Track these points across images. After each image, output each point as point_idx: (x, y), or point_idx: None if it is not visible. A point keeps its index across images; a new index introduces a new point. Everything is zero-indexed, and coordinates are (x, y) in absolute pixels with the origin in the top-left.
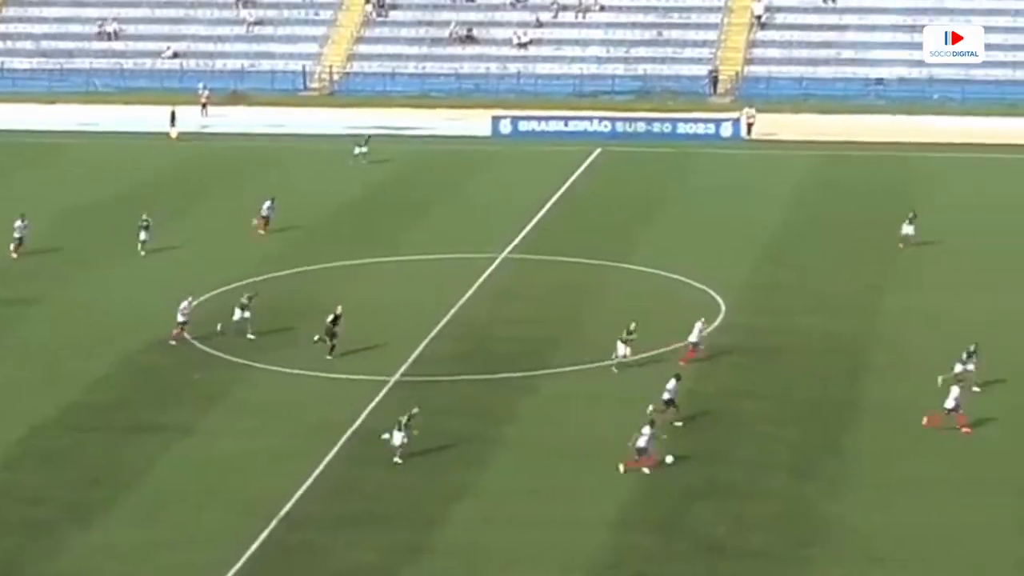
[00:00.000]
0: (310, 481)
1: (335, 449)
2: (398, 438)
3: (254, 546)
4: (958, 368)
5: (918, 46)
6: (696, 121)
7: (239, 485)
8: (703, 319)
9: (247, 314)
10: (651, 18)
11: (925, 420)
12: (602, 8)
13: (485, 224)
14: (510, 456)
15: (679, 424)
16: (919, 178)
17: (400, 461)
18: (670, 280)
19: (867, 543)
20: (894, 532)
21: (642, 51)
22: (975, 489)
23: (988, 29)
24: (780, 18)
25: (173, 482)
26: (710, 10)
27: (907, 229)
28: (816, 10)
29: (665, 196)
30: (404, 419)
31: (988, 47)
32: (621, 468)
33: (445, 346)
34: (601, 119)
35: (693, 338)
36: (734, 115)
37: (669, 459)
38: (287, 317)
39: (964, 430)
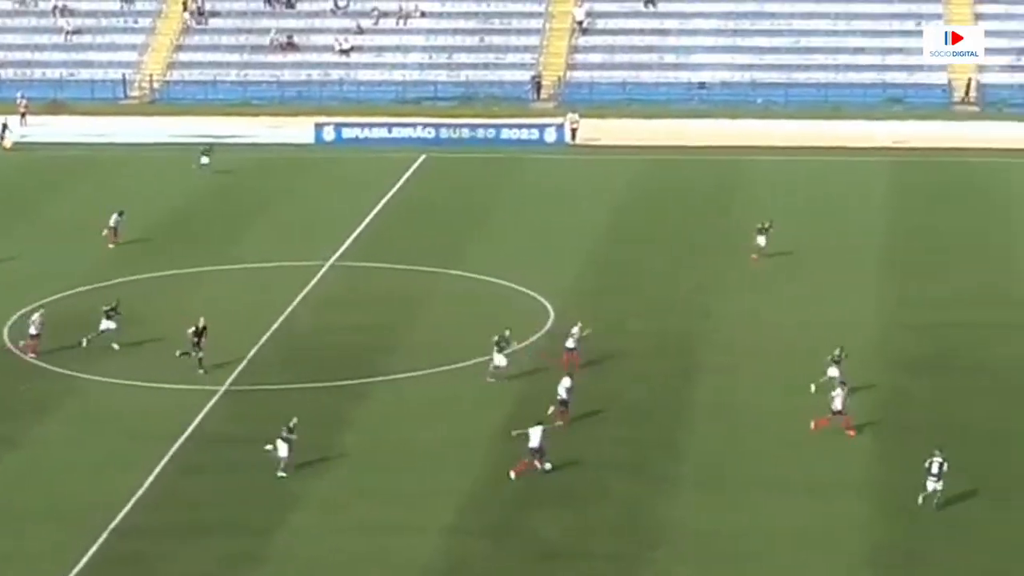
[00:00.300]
0: (141, 491)
1: (166, 458)
2: (283, 449)
3: (85, 559)
4: (830, 372)
5: (740, 49)
6: (520, 127)
7: (69, 497)
8: (579, 323)
9: (112, 324)
10: (473, 24)
11: (813, 424)
12: (423, 15)
13: (310, 232)
14: (345, 463)
15: (559, 424)
16: (743, 181)
17: (285, 474)
18: (498, 286)
19: (709, 544)
20: (735, 532)
21: (464, 57)
22: (813, 489)
23: (808, 33)
24: (601, 23)
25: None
26: (531, 16)
27: (760, 240)
28: (637, 15)
29: (491, 202)
30: (286, 430)
31: (810, 50)
32: (512, 475)
33: (274, 354)
34: (425, 125)
35: (570, 344)
36: (558, 120)
37: (547, 466)
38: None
39: (849, 432)
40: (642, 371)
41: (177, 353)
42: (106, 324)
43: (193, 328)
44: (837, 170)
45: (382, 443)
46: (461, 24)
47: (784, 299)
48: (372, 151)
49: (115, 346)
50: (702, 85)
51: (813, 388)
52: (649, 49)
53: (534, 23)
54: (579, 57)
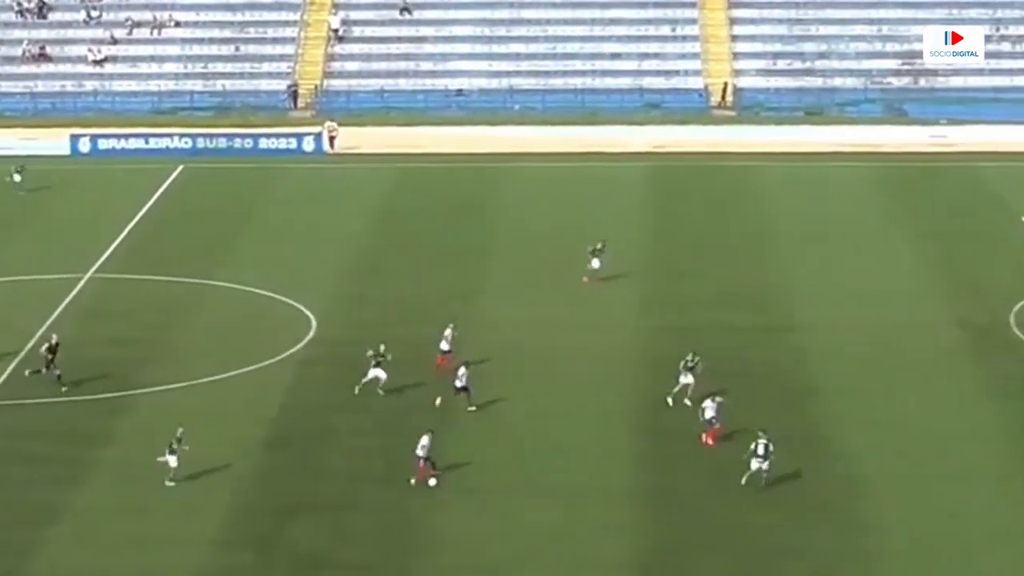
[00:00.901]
0: None
1: None
2: (172, 460)
3: None
4: (683, 380)
5: (497, 56)
6: (278, 136)
7: None
8: (452, 324)
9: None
10: (227, 33)
11: (702, 437)
12: (177, 24)
13: (69, 244)
14: (106, 476)
15: (472, 409)
16: (502, 187)
17: (173, 483)
18: (260, 296)
19: (470, 551)
20: (496, 538)
21: (220, 67)
22: (573, 494)
23: (565, 39)
24: (358, 31)
25: None
26: (287, 24)
27: (594, 263)
28: (394, 22)
29: (250, 212)
30: (173, 440)
31: (567, 56)
32: (412, 481)
33: (33, 369)
34: (182, 136)
35: (445, 346)
36: (316, 129)
37: (432, 481)
38: None
39: (708, 442)
40: (396, 380)
41: (27, 372)
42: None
43: (47, 345)
44: (596, 175)
45: (144, 456)
46: (216, 33)
47: (539, 303)
48: (129, 162)
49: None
50: (460, 92)
51: (670, 401)
52: (406, 57)
53: (289, 32)
54: (336, 65)
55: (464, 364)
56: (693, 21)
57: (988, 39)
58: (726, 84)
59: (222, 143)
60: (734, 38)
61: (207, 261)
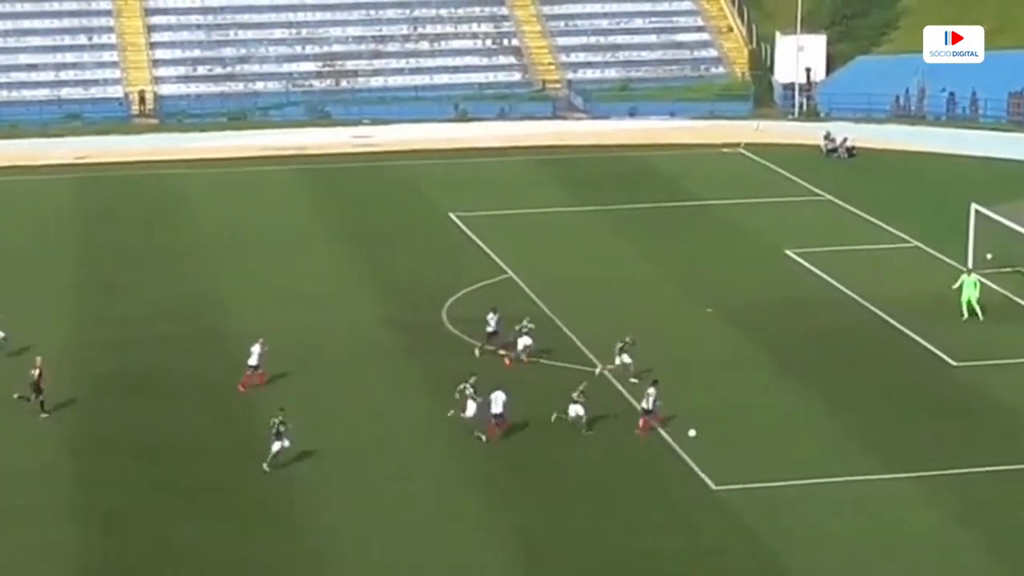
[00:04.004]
0: None
1: None
2: (276, 445)
3: None
4: (617, 361)
5: None
6: None
7: None
8: (261, 339)
9: None
10: None
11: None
12: None
13: None
14: None
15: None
16: None
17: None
18: None
19: None
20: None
21: None
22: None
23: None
24: None
25: None
26: None
27: None
28: None
29: None
30: (277, 425)
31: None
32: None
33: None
34: None
35: (253, 361)
36: None
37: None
38: None
39: (639, 431)
40: None
41: (16, 396)
42: None
43: (38, 371)
44: (18, 190)
45: None
46: None
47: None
48: None
49: None
50: None
51: (598, 371)
52: None
53: None
54: None
55: None
56: (110, 29)
57: (407, 39)
58: (142, 92)
59: None
60: (152, 45)
61: None
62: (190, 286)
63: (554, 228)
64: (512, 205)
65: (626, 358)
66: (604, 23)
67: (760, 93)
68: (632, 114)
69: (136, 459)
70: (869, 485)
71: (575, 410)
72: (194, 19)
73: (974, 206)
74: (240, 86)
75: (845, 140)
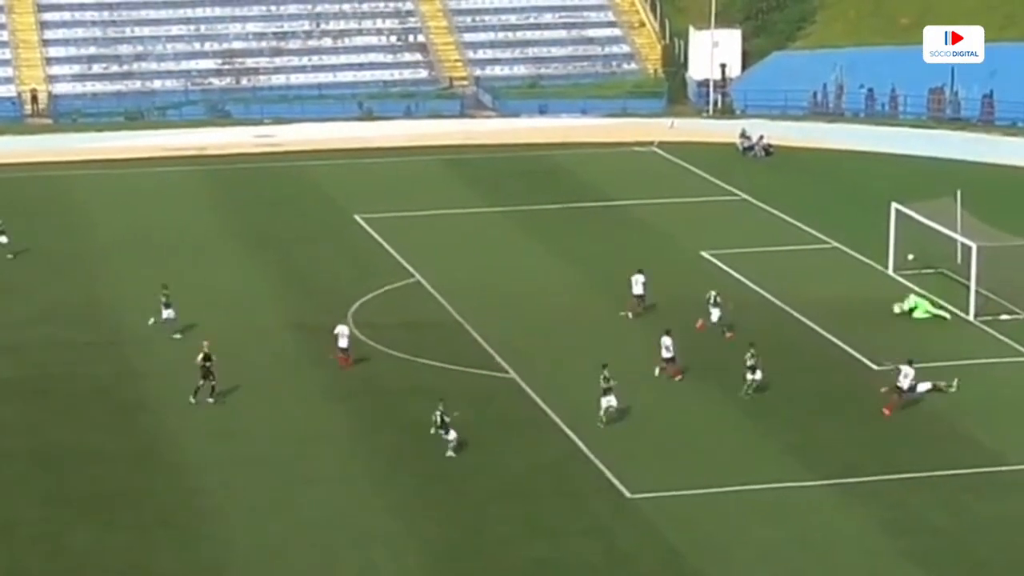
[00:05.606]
0: None
1: None
2: (451, 433)
3: None
4: (714, 315)
5: None
6: None
7: None
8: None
9: None
10: None
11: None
12: None
13: None
14: None
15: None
16: None
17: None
18: None
19: None
20: None
21: None
22: None
23: None
24: None
25: None
26: None
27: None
28: None
29: None
30: (442, 414)
31: None
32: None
33: None
34: None
35: (343, 343)
36: None
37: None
38: None
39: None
40: None
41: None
42: None
43: (202, 355)
44: None
45: None
46: None
47: None
48: None
49: None
50: None
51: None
52: None
53: None
54: None
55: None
56: (1, 26)
57: (309, 35)
58: (35, 91)
59: None
60: (45, 43)
61: None
62: (86, 290)
63: (462, 230)
64: (419, 206)
65: (716, 313)
66: (512, 18)
67: (674, 90)
68: (542, 112)
69: (31, 466)
70: (788, 491)
71: (607, 401)
72: (89, 15)
73: (894, 205)
74: (137, 84)
75: (761, 138)
